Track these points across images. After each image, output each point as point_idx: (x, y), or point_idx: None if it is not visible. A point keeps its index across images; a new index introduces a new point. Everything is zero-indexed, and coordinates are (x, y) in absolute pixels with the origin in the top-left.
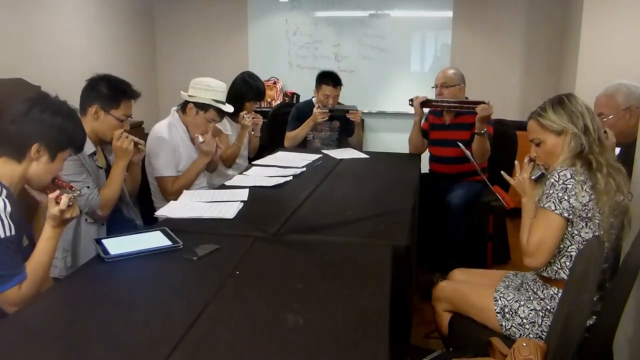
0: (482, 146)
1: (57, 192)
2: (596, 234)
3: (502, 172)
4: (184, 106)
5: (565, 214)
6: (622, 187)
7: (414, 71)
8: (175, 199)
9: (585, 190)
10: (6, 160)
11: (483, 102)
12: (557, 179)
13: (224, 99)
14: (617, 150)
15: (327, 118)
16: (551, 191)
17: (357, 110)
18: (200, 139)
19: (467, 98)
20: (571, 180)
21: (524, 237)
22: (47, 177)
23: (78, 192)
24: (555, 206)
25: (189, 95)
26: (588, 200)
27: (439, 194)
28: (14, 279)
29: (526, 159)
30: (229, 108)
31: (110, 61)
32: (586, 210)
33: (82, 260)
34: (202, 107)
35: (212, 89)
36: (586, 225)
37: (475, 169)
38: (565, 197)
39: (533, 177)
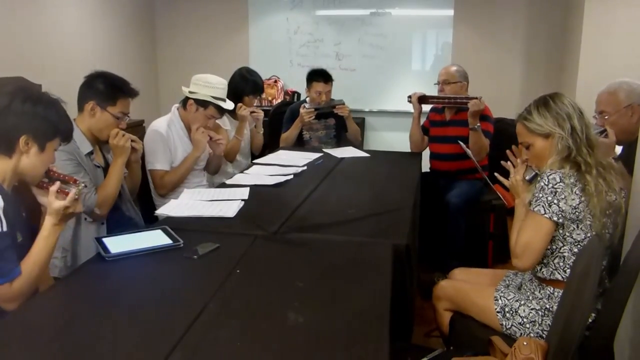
0: (476, 142)
1: (58, 184)
2: (588, 235)
3: (496, 174)
4: (184, 102)
5: (555, 218)
6: (613, 185)
7: (415, 70)
8: (166, 194)
9: (575, 192)
10: None
11: (476, 98)
12: (546, 183)
13: (224, 95)
14: (619, 148)
15: (313, 117)
16: (540, 195)
17: (343, 104)
18: (194, 127)
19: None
20: (560, 183)
21: (512, 238)
22: (40, 169)
23: (83, 184)
24: (544, 210)
25: (190, 92)
26: (578, 203)
27: (439, 193)
28: (5, 276)
29: (519, 160)
30: (229, 105)
31: (111, 60)
32: (576, 213)
33: (81, 260)
34: (202, 103)
35: (212, 85)
36: (577, 227)
37: (475, 167)
38: (555, 201)
39: (527, 178)
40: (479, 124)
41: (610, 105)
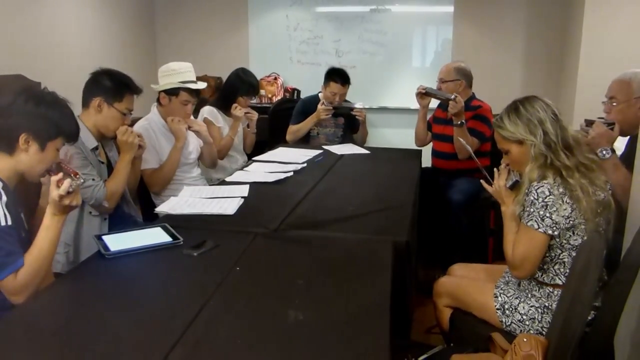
0: (457, 139)
1: (60, 175)
2: (585, 238)
3: (482, 181)
4: (158, 98)
5: (550, 231)
6: (599, 183)
7: (415, 67)
8: (158, 190)
9: (565, 202)
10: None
11: (451, 99)
12: (536, 197)
13: (192, 77)
14: (624, 140)
15: (330, 115)
16: (532, 209)
17: (362, 108)
18: (169, 119)
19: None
20: (550, 197)
21: (508, 249)
22: (40, 168)
23: (82, 180)
24: (538, 224)
25: (159, 86)
26: (570, 212)
27: (440, 190)
28: (8, 267)
29: (502, 165)
30: (200, 85)
31: (111, 57)
32: (570, 222)
33: (84, 255)
34: (172, 92)
35: (176, 71)
36: (573, 233)
37: (476, 167)
38: (547, 214)
39: (508, 185)
40: (462, 121)
41: (621, 92)
